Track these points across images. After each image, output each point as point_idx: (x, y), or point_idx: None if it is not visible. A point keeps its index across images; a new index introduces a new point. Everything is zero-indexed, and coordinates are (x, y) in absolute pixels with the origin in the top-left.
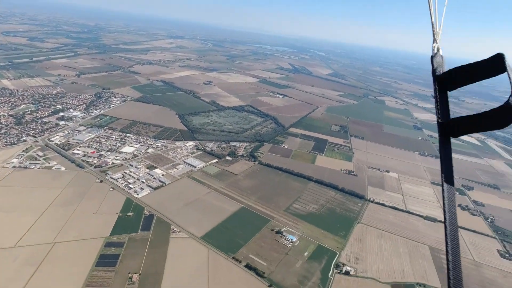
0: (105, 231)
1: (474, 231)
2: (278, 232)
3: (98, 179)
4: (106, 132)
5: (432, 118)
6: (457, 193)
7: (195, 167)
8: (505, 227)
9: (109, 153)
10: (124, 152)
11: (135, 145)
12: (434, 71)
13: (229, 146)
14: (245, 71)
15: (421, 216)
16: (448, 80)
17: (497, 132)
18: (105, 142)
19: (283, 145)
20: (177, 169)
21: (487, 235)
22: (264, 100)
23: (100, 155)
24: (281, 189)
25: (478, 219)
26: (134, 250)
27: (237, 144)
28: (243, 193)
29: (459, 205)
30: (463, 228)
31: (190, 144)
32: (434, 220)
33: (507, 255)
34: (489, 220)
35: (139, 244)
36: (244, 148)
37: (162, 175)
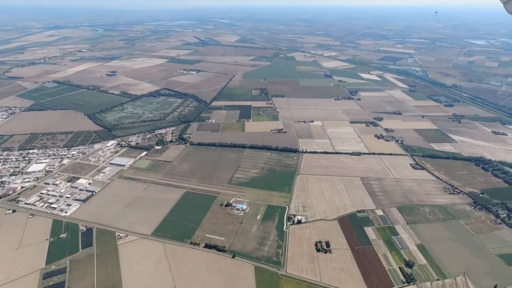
0: (39, 263)
1: (390, 154)
2: (228, 205)
3: (9, 209)
4: (1, 155)
5: (339, 64)
6: (371, 125)
7: (124, 165)
8: (412, 144)
9: (13, 177)
10: (33, 172)
11: (45, 161)
12: None
13: (155, 135)
14: (150, 53)
15: (348, 154)
16: None
17: (390, 66)
18: (3, 167)
19: (210, 120)
20: (104, 173)
21: (400, 154)
22: (178, 80)
23: (2, 182)
24: (219, 164)
25: (391, 143)
26: (81, 271)
27: (163, 131)
28: (183, 178)
29: (375, 135)
30: (382, 154)
31: (111, 143)
32: (359, 154)
33: (418, 166)
34: (400, 141)
35: (85, 264)
36: (172, 133)
37: (89, 184)
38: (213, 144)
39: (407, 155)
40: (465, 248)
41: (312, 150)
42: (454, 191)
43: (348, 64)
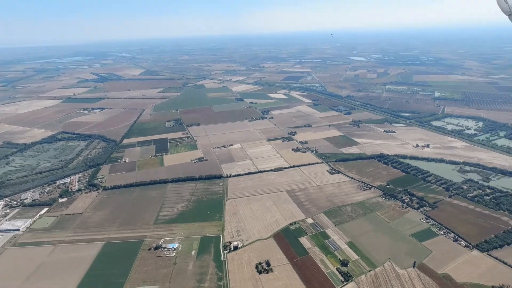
0: None
1: (309, 164)
2: (157, 247)
3: None
4: None
5: (247, 88)
6: (287, 140)
7: (18, 230)
8: (325, 152)
9: None
10: None
11: None
12: None
13: (57, 186)
14: (38, 95)
15: (271, 170)
16: None
17: (293, 84)
18: None
19: (123, 160)
20: None
21: (317, 163)
22: (79, 121)
23: None
24: (141, 205)
25: (308, 154)
26: None
27: (67, 180)
28: (99, 229)
29: (292, 149)
30: (302, 165)
31: None
32: (280, 169)
33: (334, 171)
34: (314, 151)
35: None
36: (78, 181)
37: None
38: (131, 185)
39: (323, 162)
40: (385, 235)
41: (236, 173)
42: (366, 187)
43: (256, 86)
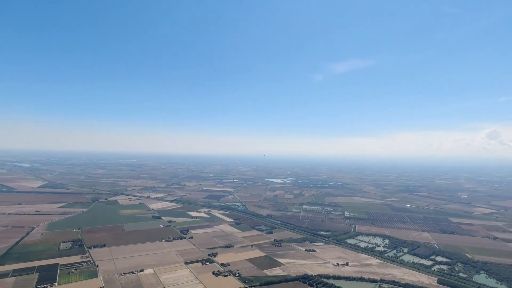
0: None
1: None
2: None
3: None
4: None
5: (166, 205)
6: (207, 262)
7: None
8: (248, 275)
9: None
10: None
11: None
12: None
13: None
14: None
15: None
16: None
17: (215, 203)
18: None
19: None
20: None
21: None
22: None
23: None
24: None
25: (230, 278)
26: None
27: None
28: None
29: (213, 273)
30: None
31: None
32: None
33: None
34: (237, 274)
35: None
36: None
37: None
38: None
39: (247, 286)
40: None
41: None
42: None
43: (176, 204)
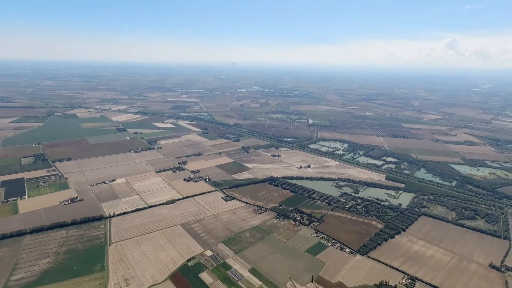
0: None
1: (203, 193)
2: None
3: None
4: None
5: (130, 117)
6: (178, 170)
7: None
8: (218, 180)
9: None
10: None
11: None
12: None
13: None
14: None
15: (163, 204)
16: None
17: (181, 114)
18: None
19: None
20: None
21: (211, 191)
22: None
23: None
24: None
25: (201, 183)
26: None
27: None
28: None
29: (184, 179)
30: (195, 195)
31: None
32: (173, 201)
33: (228, 198)
34: (207, 180)
35: None
36: None
37: None
38: None
39: (217, 190)
40: (284, 255)
41: (122, 212)
42: (261, 210)
43: (141, 116)
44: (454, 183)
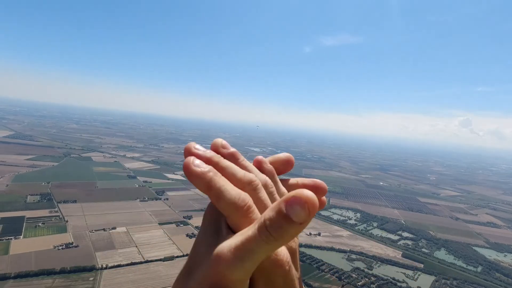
0: None
1: None
2: None
3: None
4: None
5: (143, 165)
6: (182, 224)
7: None
8: None
9: None
10: None
11: None
12: None
13: None
14: None
15: (160, 260)
16: None
17: None
18: None
19: None
20: None
21: None
22: None
23: None
24: None
25: None
26: None
27: None
28: None
29: (187, 235)
30: None
31: None
32: (171, 258)
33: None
34: None
35: None
36: None
37: None
38: None
39: None
40: None
41: (116, 264)
42: None
43: (153, 165)
44: (479, 269)
